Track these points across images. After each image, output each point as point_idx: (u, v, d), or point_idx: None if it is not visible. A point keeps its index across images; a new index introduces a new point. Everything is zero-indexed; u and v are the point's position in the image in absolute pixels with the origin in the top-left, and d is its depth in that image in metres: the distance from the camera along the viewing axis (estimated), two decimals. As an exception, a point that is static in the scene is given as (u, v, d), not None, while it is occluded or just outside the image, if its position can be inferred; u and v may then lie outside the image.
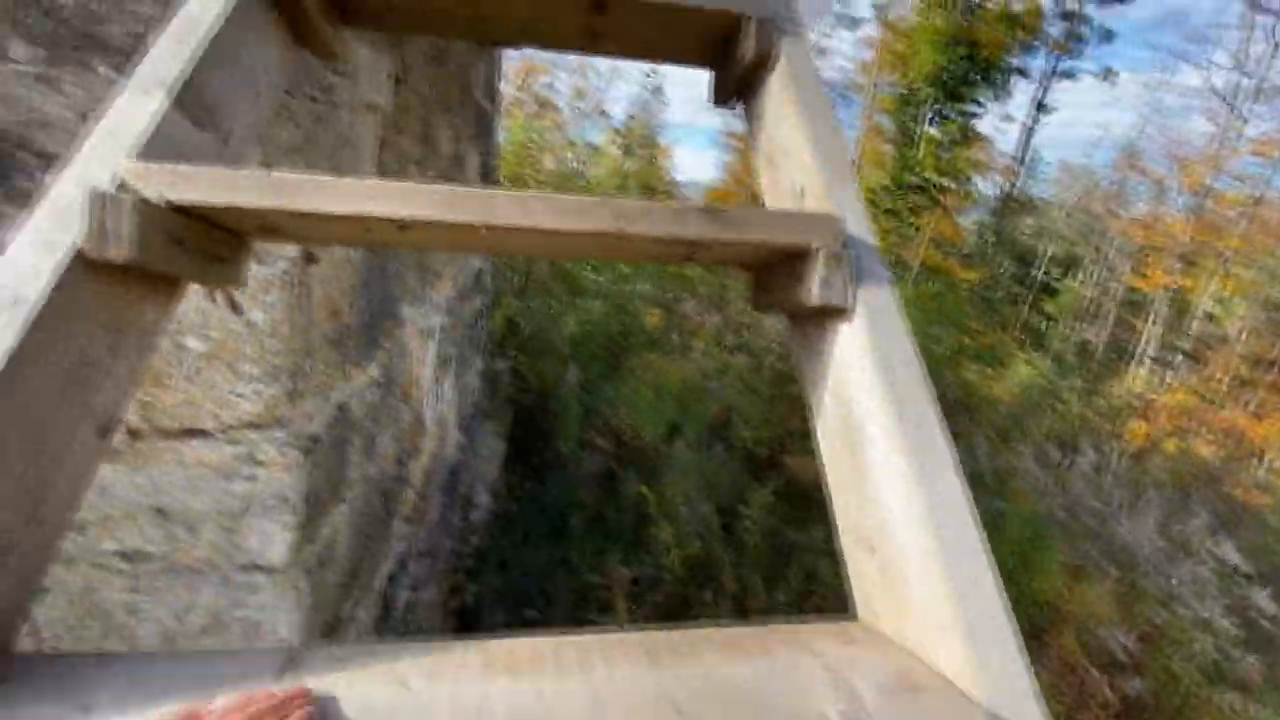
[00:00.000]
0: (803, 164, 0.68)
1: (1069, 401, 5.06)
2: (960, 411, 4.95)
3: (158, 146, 0.53)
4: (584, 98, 13.08)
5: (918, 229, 16.42)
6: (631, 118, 11.54)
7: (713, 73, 0.85)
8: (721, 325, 6.33)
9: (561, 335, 5.21)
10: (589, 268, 6.27)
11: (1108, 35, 19.93)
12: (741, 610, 3.02)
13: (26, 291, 0.43)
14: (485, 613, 3.12)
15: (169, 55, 0.57)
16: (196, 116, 0.58)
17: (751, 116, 0.82)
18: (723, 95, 0.85)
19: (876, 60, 17.87)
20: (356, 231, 0.57)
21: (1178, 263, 16.95)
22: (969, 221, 19.73)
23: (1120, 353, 16.97)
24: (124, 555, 1.07)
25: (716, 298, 6.96)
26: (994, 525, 3.13)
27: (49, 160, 0.89)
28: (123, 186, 0.49)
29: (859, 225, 0.61)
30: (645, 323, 5.96)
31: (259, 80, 0.69)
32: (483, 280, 4.48)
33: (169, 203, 0.49)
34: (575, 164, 9.83)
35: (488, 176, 4.32)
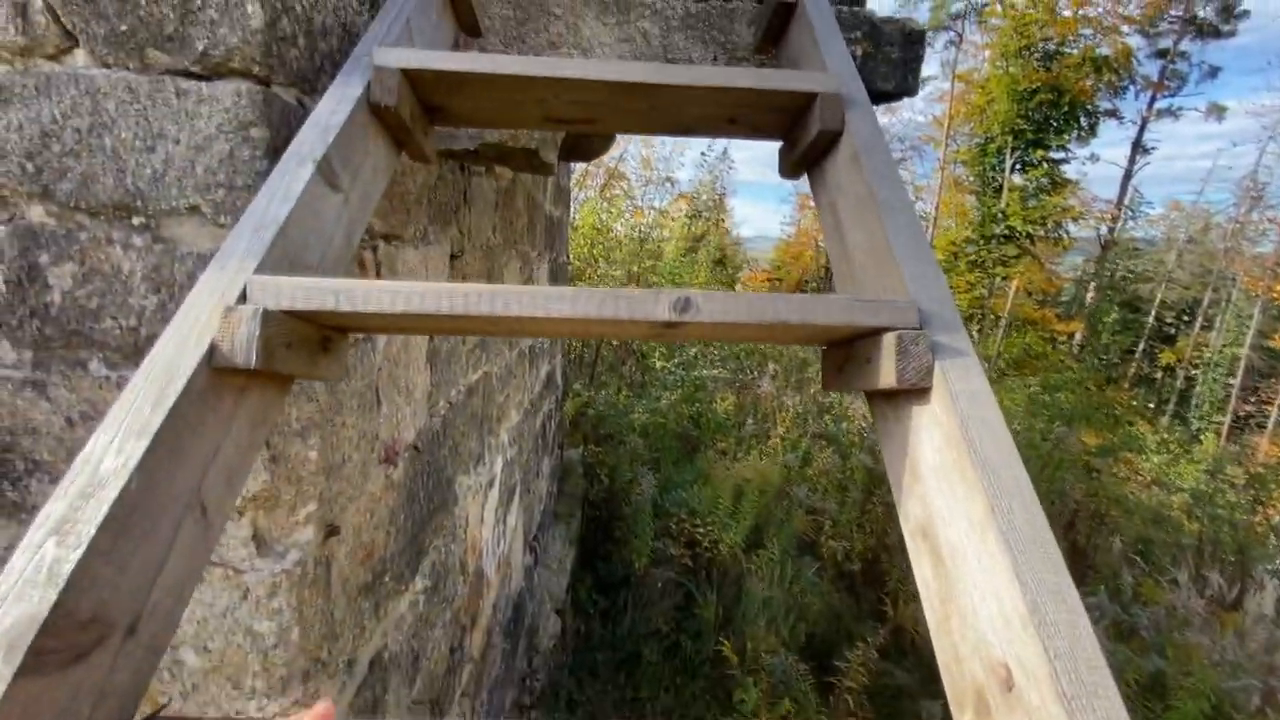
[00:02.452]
0: (869, 238, 0.66)
1: (1224, 504, 4.23)
2: (1082, 518, 4.21)
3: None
4: (650, 167, 13.46)
5: (1006, 279, 15.38)
6: (701, 186, 11.68)
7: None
8: (802, 407, 5.93)
9: (632, 428, 5.00)
10: (658, 352, 6.11)
11: (1212, 72, 18.48)
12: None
13: (169, 390, 0.47)
14: (551, 769, 2.82)
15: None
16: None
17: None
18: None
19: (949, 113, 17.40)
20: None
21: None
22: (1065, 269, 18.37)
23: (1262, 419, 14.90)
24: None
25: (795, 376, 6.60)
26: (1155, 692, 2.53)
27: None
28: (244, 297, 0.53)
29: (934, 296, 0.57)
30: (718, 409, 5.68)
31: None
32: (553, 380, 4.37)
33: (282, 310, 0.53)
34: (645, 229, 10.04)
35: (556, 276, 4.28)
